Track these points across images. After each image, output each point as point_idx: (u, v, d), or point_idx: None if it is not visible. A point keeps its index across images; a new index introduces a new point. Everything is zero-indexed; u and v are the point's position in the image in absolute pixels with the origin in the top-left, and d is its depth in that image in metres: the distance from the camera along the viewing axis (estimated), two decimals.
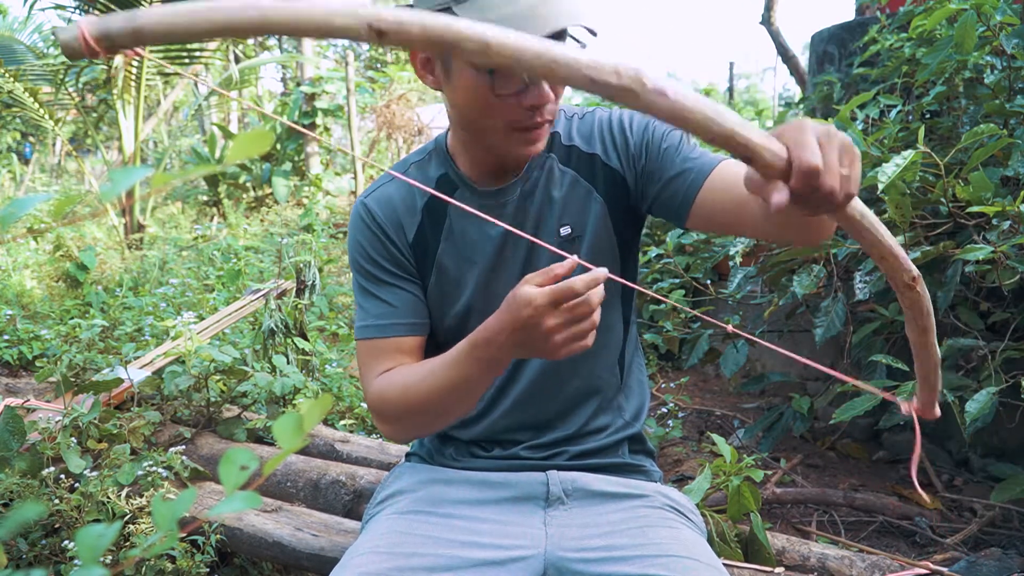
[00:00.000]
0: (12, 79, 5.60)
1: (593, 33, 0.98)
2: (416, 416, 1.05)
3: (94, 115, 6.62)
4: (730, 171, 1.04)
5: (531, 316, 0.87)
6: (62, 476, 1.61)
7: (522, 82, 0.98)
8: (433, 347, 1.17)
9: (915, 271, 0.77)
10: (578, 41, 1.00)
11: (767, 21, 5.61)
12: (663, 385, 3.31)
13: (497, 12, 0.92)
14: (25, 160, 11.46)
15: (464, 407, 1.05)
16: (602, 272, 0.87)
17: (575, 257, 0.89)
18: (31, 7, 6.08)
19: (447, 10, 0.94)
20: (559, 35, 0.95)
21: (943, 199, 1.94)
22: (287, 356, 2.34)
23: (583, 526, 1.09)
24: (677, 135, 1.12)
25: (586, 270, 0.88)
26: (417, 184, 1.00)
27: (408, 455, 1.33)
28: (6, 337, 3.48)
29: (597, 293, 0.87)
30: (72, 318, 3.51)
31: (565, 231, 1.15)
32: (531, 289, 0.88)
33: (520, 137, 1.04)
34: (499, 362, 0.95)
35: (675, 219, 1.11)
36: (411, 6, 0.93)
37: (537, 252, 1.15)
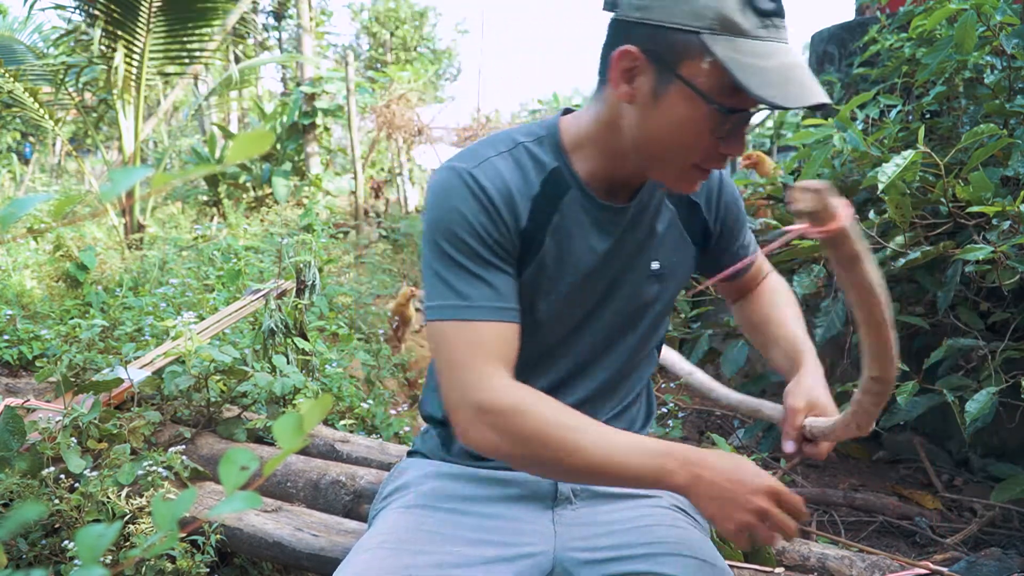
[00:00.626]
0: (12, 79, 5.59)
1: (822, 106, 0.95)
2: (541, 455, 0.94)
3: (94, 115, 6.62)
4: (746, 286, 1.34)
5: (757, 486, 0.89)
6: (62, 476, 1.61)
7: (731, 129, 0.96)
8: None
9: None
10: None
11: None
12: (663, 385, 3.31)
13: (751, 60, 0.90)
14: (25, 160, 11.46)
15: (583, 478, 0.99)
16: (805, 516, 0.93)
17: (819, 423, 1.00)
18: (31, 7, 6.08)
19: (695, 34, 0.90)
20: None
21: (943, 199, 1.94)
22: (287, 356, 2.34)
23: (591, 525, 1.09)
24: (744, 220, 1.26)
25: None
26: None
27: (410, 452, 1.29)
28: (6, 337, 3.47)
29: (796, 525, 0.90)
30: (72, 318, 3.51)
31: (655, 266, 1.14)
32: (769, 475, 0.91)
33: (694, 175, 1.02)
34: (669, 481, 0.91)
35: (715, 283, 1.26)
36: (656, 24, 0.93)
37: (621, 281, 1.13)
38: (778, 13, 0.92)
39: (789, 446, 1.07)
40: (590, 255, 1.09)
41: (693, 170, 1.00)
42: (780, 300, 1.31)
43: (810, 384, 1.10)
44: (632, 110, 0.99)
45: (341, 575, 0.97)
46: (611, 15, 0.99)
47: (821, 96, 0.91)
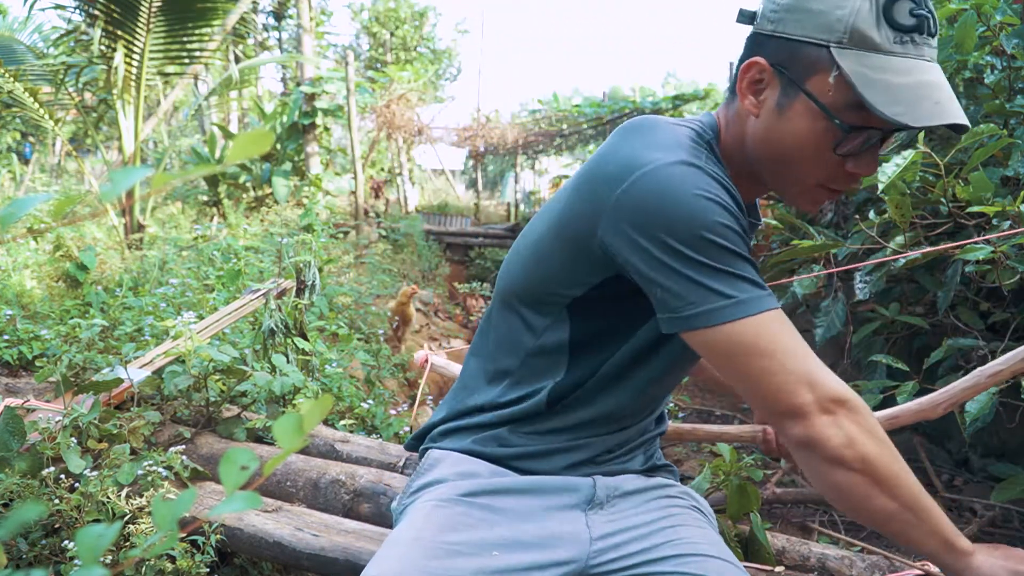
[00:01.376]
0: (12, 79, 5.59)
1: (959, 128, 0.91)
2: (877, 465, 0.89)
3: (94, 115, 6.62)
4: None
5: None
6: (62, 476, 1.61)
7: (859, 147, 0.93)
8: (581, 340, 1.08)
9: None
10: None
11: None
12: None
13: (881, 76, 0.87)
14: (25, 160, 11.46)
15: (882, 510, 0.90)
16: None
17: None
18: (31, 7, 6.08)
19: (825, 48, 0.89)
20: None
21: (943, 199, 1.94)
22: (287, 356, 2.34)
23: (623, 530, 1.07)
24: None
25: None
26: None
27: (426, 449, 1.22)
28: (6, 337, 3.48)
29: None
30: (72, 318, 3.51)
31: None
32: None
33: (820, 195, 0.98)
34: (948, 554, 0.89)
35: None
36: (788, 37, 0.91)
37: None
38: (919, 29, 0.89)
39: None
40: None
41: (818, 189, 0.97)
42: None
43: None
44: (756, 124, 0.97)
45: (378, 568, 0.93)
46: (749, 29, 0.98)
47: (957, 116, 0.88)
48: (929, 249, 1.86)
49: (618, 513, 1.11)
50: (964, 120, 0.89)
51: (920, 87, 0.88)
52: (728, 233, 0.91)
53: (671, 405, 2.81)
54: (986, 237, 1.75)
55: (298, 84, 9.11)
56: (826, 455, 0.89)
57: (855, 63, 0.88)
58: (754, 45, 0.96)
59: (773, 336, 0.89)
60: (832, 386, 0.89)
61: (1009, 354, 1.05)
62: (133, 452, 1.76)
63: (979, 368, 1.09)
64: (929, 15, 0.90)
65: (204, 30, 6.21)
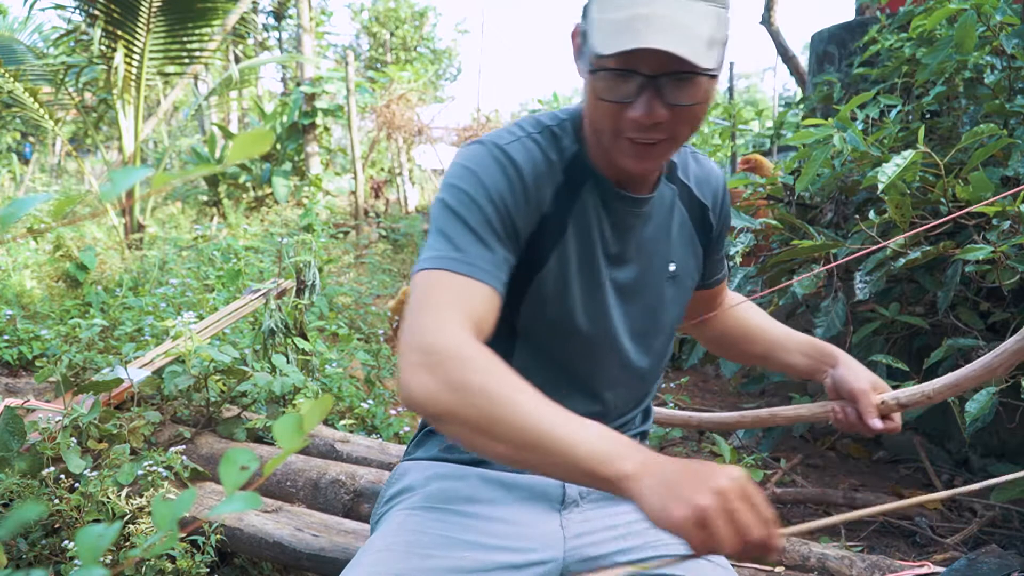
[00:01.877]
0: (12, 79, 5.60)
1: (701, 72, 0.90)
2: (473, 408, 0.82)
3: (94, 115, 6.62)
4: (715, 295, 1.31)
5: (721, 474, 0.74)
6: (62, 476, 1.61)
7: (631, 93, 0.93)
8: (510, 342, 1.08)
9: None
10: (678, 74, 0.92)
11: (767, 21, 5.61)
12: (663, 385, 3.31)
13: (607, 15, 0.91)
14: (25, 160, 11.46)
15: (503, 452, 0.83)
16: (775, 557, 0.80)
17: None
18: (31, 7, 6.09)
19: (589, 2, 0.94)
20: (648, 56, 0.90)
21: (943, 199, 1.94)
22: (287, 356, 2.35)
23: (599, 530, 1.07)
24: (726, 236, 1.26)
25: None
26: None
27: (406, 456, 1.24)
28: (6, 337, 3.48)
29: (775, 539, 0.74)
30: (72, 318, 3.51)
31: (672, 268, 1.13)
32: (742, 474, 0.76)
33: (626, 147, 0.97)
34: (609, 465, 0.77)
35: None
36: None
37: (645, 282, 1.11)
38: None
39: (877, 423, 1.15)
40: (611, 249, 1.07)
41: (621, 140, 0.97)
42: (758, 312, 1.35)
43: (860, 367, 1.19)
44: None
45: (351, 575, 0.95)
46: None
47: (652, 42, 0.87)
48: (929, 249, 1.86)
49: (594, 511, 1.10)
50: (660, 44, 0.87)
51: (631, 19, 0.89)
52: (470, 203, 0.97)
53: (671, 405, 2.81)
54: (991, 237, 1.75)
55: (298, 84, 9.11)
56: (419, 411, 0.87)
57: (596, 10, 0.92)
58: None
59: (426, 290, 0.92)
60: (429, 339, 0.86)
61: None
62: (133, 452, 1.76)
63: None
64: None
65: (204, 30, 6.21)
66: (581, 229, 1.05)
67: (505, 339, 1.06)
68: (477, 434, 0.83)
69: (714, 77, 0.94)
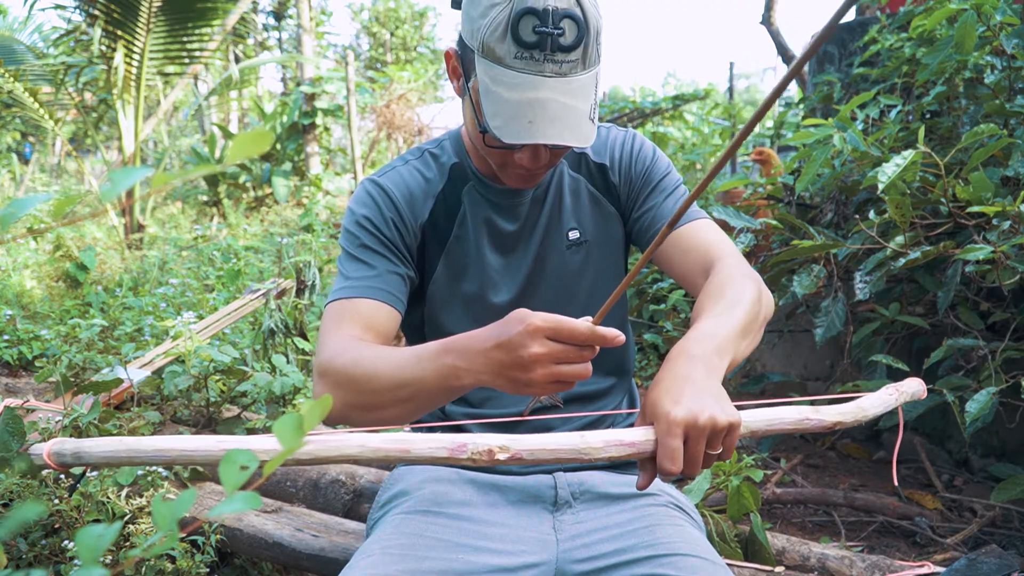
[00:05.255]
0: (12, 79, 5.59)
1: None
2: (354, 394, 0.96)
3: (94, 115, 6.62)
4: (691, 237, 1.13)
5: (520, 336, 0.81)
6: (62, 476, 1.61)
7: (517, 145, 0.99)
8: (422, 337, 1.19)
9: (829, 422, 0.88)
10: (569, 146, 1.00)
11: (767, 21, 5.61)
12: None
13: (498, 89, 0.94)
14: (25, 160, 11.47)
15: (401, 413, 0.96)
16: (619, 338, 0.83)
17: (589, 319, 0.85)
18: (31, 7, 6.08)
19: (473, 53, 0.96)
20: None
21: (943, 199, 1.94)
22: (287, 356, 2.34)
23: (592, 531, 1.07)
24: (672, 179, 1.20)
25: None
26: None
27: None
28: (6, 337, 3.47)
29: (592, 350, 0.83)
30: (72, 318, 3.51)
31: (573, 235, 1.18)
32: (532, 313, 0.83)
33: (513, 174, 1.07)
34: (460, 378, 0.88)
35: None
36: (460, 34, 1.00)
37: (544, 256, 1.18)
38: (539, 46, 0.92)
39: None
40: (500, 237, 1.16)
41: (508, 169, 1.06)
42: (710, 292, 1.03)
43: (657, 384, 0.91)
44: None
45: None
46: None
47: (547, 137, 0.93)
48: (929, 249, 1.86)
49: (587, 513, 1.10)
50: (552, 139, 0.94)
51: (523, 104, 0.93)
52: (349, 235, 1.13)
53: None
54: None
55: (298, 84, 9.11)
56: (330, 421, 1.07)
57: (484, 72, 0.95)
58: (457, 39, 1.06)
59: (326, 319, 1.07)
60: (317, 359, 1.01)
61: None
62: None
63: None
64: (554, 32, 0.92)
65: (204, 30, 6.21)
66: (465, 228, 1.15)
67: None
68: (368, 411, 0.96)
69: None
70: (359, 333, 1.03)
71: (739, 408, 0.85)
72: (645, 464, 0.84)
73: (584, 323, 0.83)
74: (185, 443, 0.79)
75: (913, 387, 1.02)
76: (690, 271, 1.11)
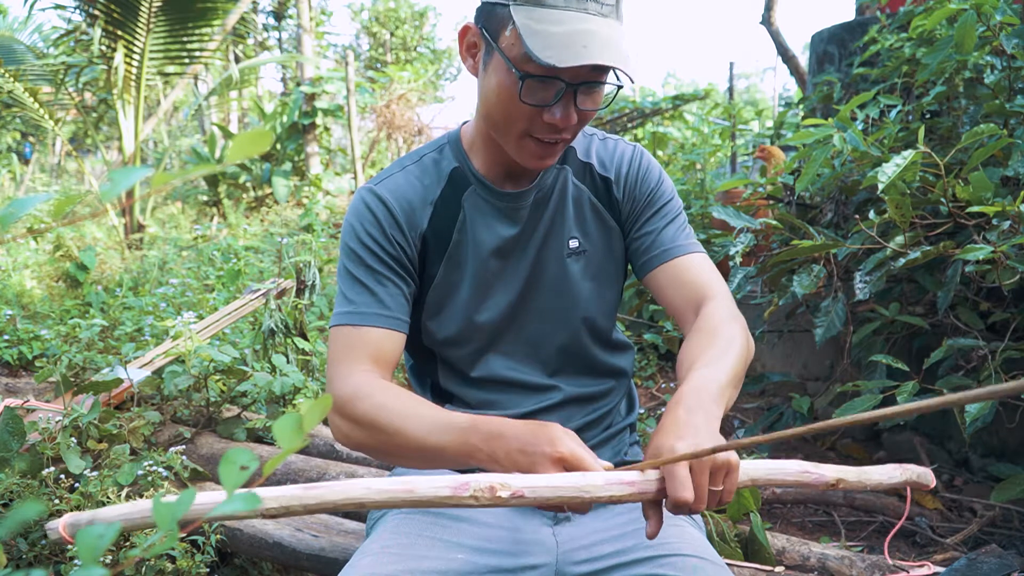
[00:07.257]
0: (12, 79, 5.60)
1: (629, 78, 1.00)
2: (374, 440, 1.02)
3: (94, 115, 6.62)
4: (686, 271, 1.15)
5: (543, 456, 0.87)
6: (62, 476, 1.61)
7: (550, 98, 1.00)
8: (419, 343, 1.20)
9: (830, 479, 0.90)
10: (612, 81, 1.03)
11: (767, 21, 5.61)
12: (663, 385, 3.31)
13: (543, 26, 0.96)
14: (25, 160, 11.46)
15: (417, 466, 1.07)
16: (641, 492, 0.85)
17: (610, 465, 0.89)
18: (31, 7, 6.08)
19: (507, 7, 0.99)
20: (589, 70, 0.99)
21: (943, 199, 1.94)
22: (287, 356, 2.34)
23: (591, 533, 1.07)
24: (674, 206, 1.21)
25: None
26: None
27: None
28: (6, 337, 3.47)
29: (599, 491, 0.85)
30: (72, 318, 3.51)
31: (573, 244, 1.18)
32: (563, 437, 0.88)
33: (532, 147, 1.06)
34: (477, 458, 0.93)
35: (635, 274, 1.23)
36: (486, 1, 1.02)
37: (543, 263, 1.17)
38: None
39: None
40: (500, 242, 1.15)
41: (526, 140, 1.06)
42: (699, 345, 1.04)
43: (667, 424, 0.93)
44: (477, 84, 1.08)
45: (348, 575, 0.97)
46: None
47: (599, 57, 0.95)
48: (929, 249, 1.86)
49: (587, 517, 1.10)
50: (608, 61, 0.96)
51: (573, 34, 0.96)
52: (349, 251, 1.13)
53: None
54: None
55: (298, 84, 9.11)
56: (346, 447, 1.14)
57: (525, 17, 0.97)
58: (475, 14, 1.07)
59: (331, 346, 1.11)
60: (336, 389, 1.05)
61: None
62: (133, 452, 1.76)
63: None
64: None
65: (204, 30, 6.21)
66: (465, 234, 1.15)
67: (427, 362, 1.22)
68: (386, 456, 1.05)
69: (618, 88, 1.06)
70: (369, 367, 1.07)
71: (745, 446, 0.88)
72: (649, 511, 0.88)
73: (602, 470, 0.86)
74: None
75: (920, 471, 1.03)
76: (682, 306, 1.15)
